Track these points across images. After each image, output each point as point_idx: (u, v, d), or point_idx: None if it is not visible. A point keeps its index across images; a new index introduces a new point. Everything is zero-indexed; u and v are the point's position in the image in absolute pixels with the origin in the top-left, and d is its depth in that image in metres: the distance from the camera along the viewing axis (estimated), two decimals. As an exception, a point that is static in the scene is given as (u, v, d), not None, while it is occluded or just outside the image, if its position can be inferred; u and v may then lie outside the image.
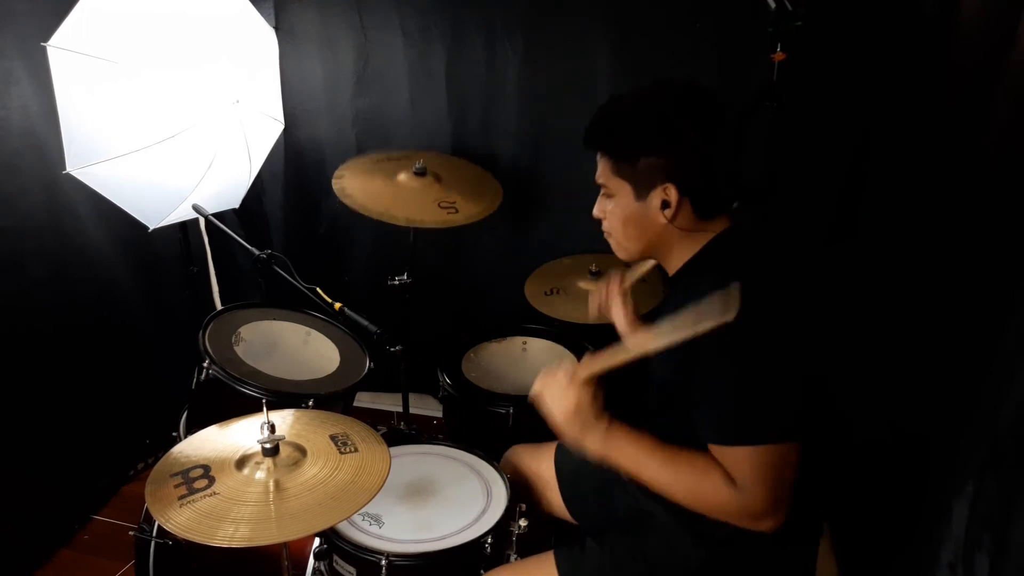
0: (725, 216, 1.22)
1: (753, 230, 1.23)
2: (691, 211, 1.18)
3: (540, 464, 1.65)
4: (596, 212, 1.28)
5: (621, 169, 1.19)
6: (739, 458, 1.09)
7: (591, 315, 1.64)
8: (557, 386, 1.19)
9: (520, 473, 1.67)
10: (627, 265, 1.45)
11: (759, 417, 1.09)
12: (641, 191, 1.18)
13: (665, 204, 1.16)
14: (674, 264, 1.25)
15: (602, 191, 1.26)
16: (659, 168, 1.15)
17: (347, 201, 1.98)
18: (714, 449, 1.12)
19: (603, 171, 1.23)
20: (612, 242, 1.29)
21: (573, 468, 1.61)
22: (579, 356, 2.12)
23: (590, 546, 1.35)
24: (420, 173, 2.07)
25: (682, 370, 1.16)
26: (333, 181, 2.05)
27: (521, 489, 1.63)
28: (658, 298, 1.63)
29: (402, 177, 2.08)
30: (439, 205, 2.01)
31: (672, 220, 1.17)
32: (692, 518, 1.26)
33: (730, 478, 1.11)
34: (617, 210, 1.23)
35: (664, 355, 1.27)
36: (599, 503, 1.52)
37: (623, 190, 1.20)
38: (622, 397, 1.33)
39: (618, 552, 1.33)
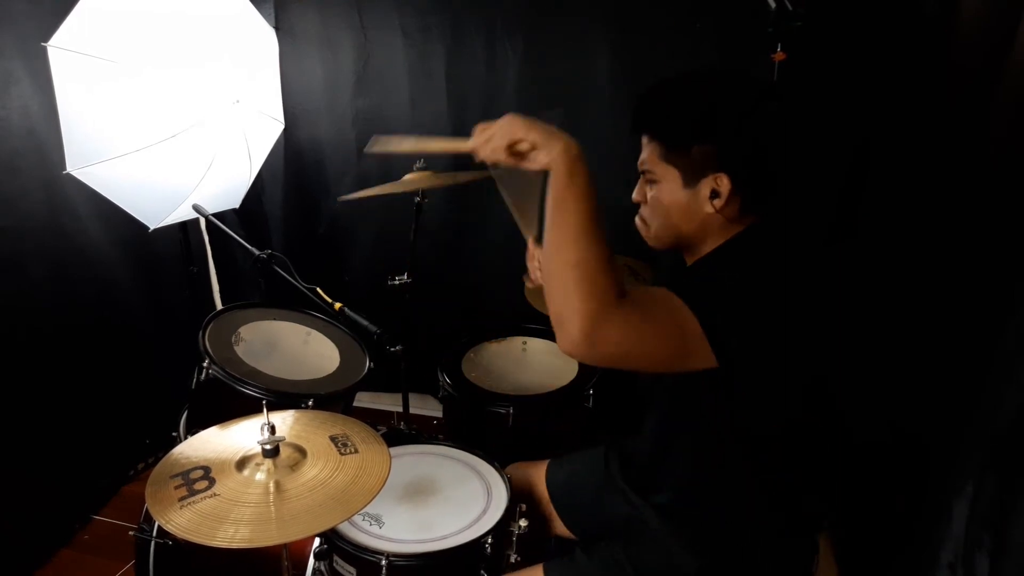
0: (758, 212, 1.19)
1: (779, 226, 1.21)
2: (739, 203, 1.14)
3: (536, 482, 1.64)
4: (636, 196, 1.23)
5: (671, 155, 1.14)
6: (654, 288, 1.04)
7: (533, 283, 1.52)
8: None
9: (523, 490, 1.66)
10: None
11: (699, 296, 1.02)
12: (690, 179, 1.13)
13: (715, 194, 1.12)
14: (697, 254, 1.21)
15: (645, 176, 1.20)
16: (713, 156, 1.11)
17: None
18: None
19: (650, 156, 1.17)
20: (646, 228, 1.23)
21: (564, 482, 1.60)
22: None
23: (579, 557, 1.35)
24: (420, 170, 2.06)
25: None
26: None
27: (523, 495, 1.62)
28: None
29: (407, 177, 2.07)
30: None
31: (720, 210, 1.13)
32: (686, 526, 1.26)
33: (628, 298, 1.00)
34: (662, 196, 1.17)
35: None
36: (592, 513, 1.51)
37: (670, 176, 1.15)
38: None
39: (609, 562, 1.32)
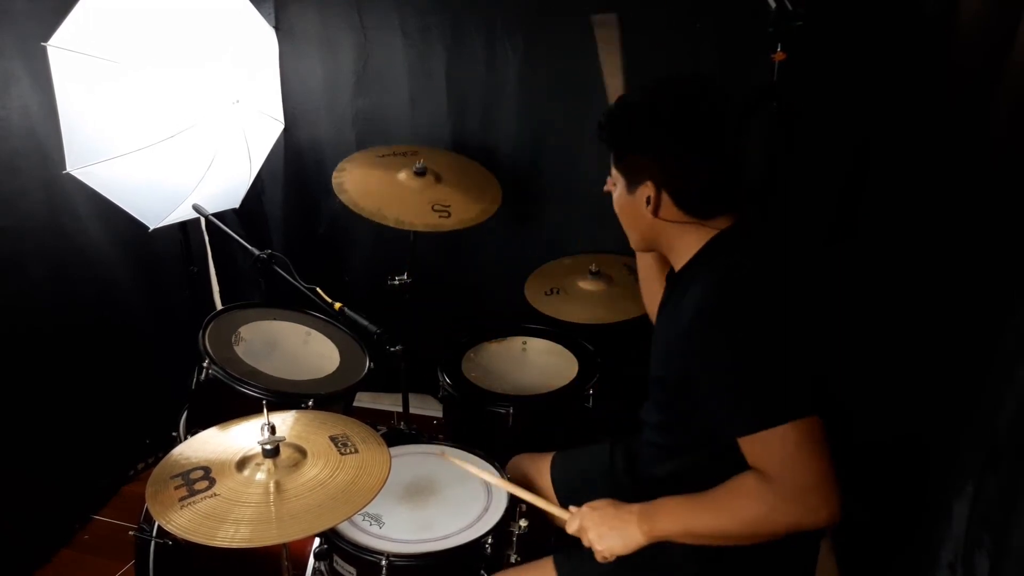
0: (730, 215, 1.22)
1: (755, 228, 1.23)
2: (675, 208, 1.20)
3: (538, 475, 1.64)
4: (605, 189, 1.36)
5: (617, 162, 1.26)
6: (766, 444, 1.07)
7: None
8: (582, 521, 1.23)
9: (523, 482, 1.66)
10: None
11: (771, 396, 1.07)
12: (631, 184, 1.23)
13: (648, 200, 1.20)
14: (678, 261, 1.27)
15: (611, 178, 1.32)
16: (643, 166, 1.20)
17: (343, 197, 1.98)
18: (743, 444, 1.11)
19: (612, 160, 1.29)
20: (623, 227, 1.34)
21: (569, 478, 1.60)
22: (579, 356, 2.13)
23: (589, 551, 1.35)
24: (420, 173, 2.07)
25: (671, 363, 1.19)
26: (334, 174, 2.05)
27: (524, 486, 1.62)
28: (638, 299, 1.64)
29: (402, 176, 2.08)
30: (432, 208, 2.00)
31: (656, 215, 1.21)
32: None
33: (759, 476, 1.08)
34: (616, 198, 1.30)
35: (658, 340, 1.31)
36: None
37: (619, 181, 1.27)
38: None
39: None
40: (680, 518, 1.16)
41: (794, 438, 1.05)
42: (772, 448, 1.07)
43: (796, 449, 1.05)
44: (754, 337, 1.08)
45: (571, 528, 1.25)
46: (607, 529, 1.19)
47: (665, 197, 1.19)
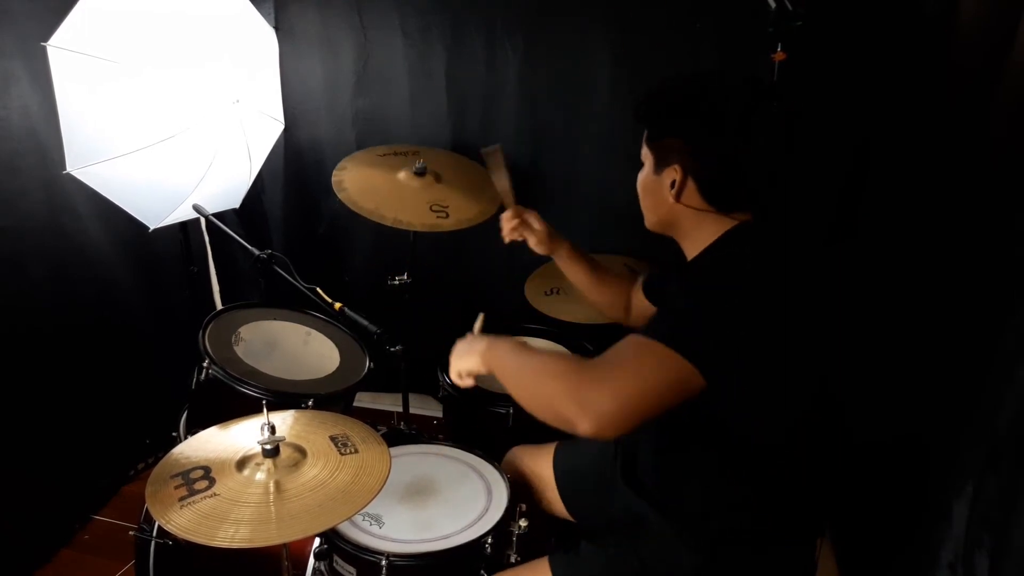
0: (749, 210, 1.22)
1: (772, 226, 1.23)
2: (699, 196, 1.20)
3: (539, 464, 1.65)
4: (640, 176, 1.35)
5: (651, 141, 1.25)
6: (627, 341, 1.08)
7: (507, 240, 1.73)
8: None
9: (520, 473, 1.67)
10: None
11: (675, 324, 1.07)
12: (659, 165, 1.23)
13: (674, 183, 1.20)
14: (690, 250, 1.27)
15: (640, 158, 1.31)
16: (676, 149, 1.19)
17: (341, 196, 1.98)
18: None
19: (644, 139, 1.28)
20: (642, 209, 1.34)
21: (571, 468, 1.61)
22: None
23: (585, 550, 1.35)
24: (420, 173, 2.07)
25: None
26: (334, 173, 2.05)
27: (522, 489, 1.63)
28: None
29: (402, 175, 2.07)
30: (431, 208, 2.00)
31: (678, 199, 1.20)
32: (684, 523, 1.26)
33: (588, 361, 1.07)
34: (640, 178, 1.29)
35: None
36: (597, 503, 1.52)
37: (648, 160, 1.26)
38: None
39: (613, 555, 1.32)
40: (511, 352, 1.23)
41: (642, 353, 1.04)
42: (624, 345, 1.07)
43: (630, 359, 1.05)
44: (719, 297, 1.09)
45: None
46: (463, 348, 1.32)
47: (690, 183, 1.19)
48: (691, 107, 1.19)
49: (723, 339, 1.05)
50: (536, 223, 1.68)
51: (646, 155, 1.27)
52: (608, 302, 1.69)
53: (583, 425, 1.01)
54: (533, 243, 1.69)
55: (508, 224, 1.70)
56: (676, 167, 1.19)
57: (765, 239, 1.22)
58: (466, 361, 1.30)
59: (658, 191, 1.23)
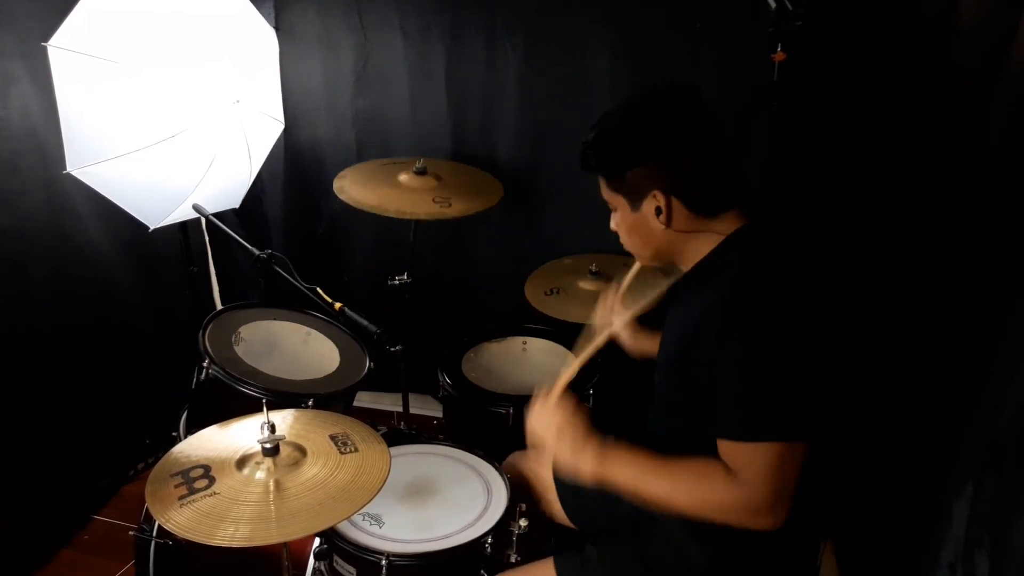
0: (736, 213, 1.21)
1: (766, 229, 1.23)
2: (687, 212, 1.19)
3: (540, 469, 1.65)
4: (612, 226, 1.31)
5: (614, 184, 1.23)
6: (748, 453, 1.09)
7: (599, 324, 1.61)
8: (542, 409, 1.24)
9: (522, 478, 1.67)
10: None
11: (767, 410, 1.08)
12: (635, 202, 1.21)
13: (659, 210, 1.18)
14: (688, 264, 1.25)
15: (609, 207, 1.29)
16: (646, 177, 1.18)
17: (343, 196, 1.99)
18: (722, 444, 1.12)
19: (602, 188, 1.26)
20: (631, 251, 1.31)
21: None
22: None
23: (589, 551, 1.35)
24: (420, 172, 2.07)
25: (684, 355, 1.18)
26: (335, 181, 2.06)
27: (522, 490, 1.63)
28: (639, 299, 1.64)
29: (403, 177, 2.08)
30: (434, 200, 2.00)
31: (669, 224, 1.19)
32: (695, 520, 1.26)
33: (730, 473, 1.10)
34: (621, 223, 1.27)
35: (666, 340, 1.30)
36: (600, 508, 1.51)
37: (620, 203, 1.24)
38: (629, 400, 1.33)
39: (618, 556, 1.32)
40: (635, 473, 1.17)
41: (773, 457, 1.07)
42: (750, 458, 1.09)
43: (770, 468, 1.08)
44: (764, 345, 1.08)
45: (533, 411, 1.26)
46: (564, 442, 1.21)
47: (675, 202, 1.17)
48: (643, 132, 1.18)
49: (795, 391, 1.09)
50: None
51: (613, 199, 1.25)
52: None
53: (763, 527, 1.10)
54: (628, 339, 1.60)
55: (607, 307, 1.60)
56: (655, 193, 1.17)
57: (765, 246, 1.21)
58: (571, 463, 1.20)
59: (644, 226, 1.22)
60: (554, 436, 1.22)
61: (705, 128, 1.18)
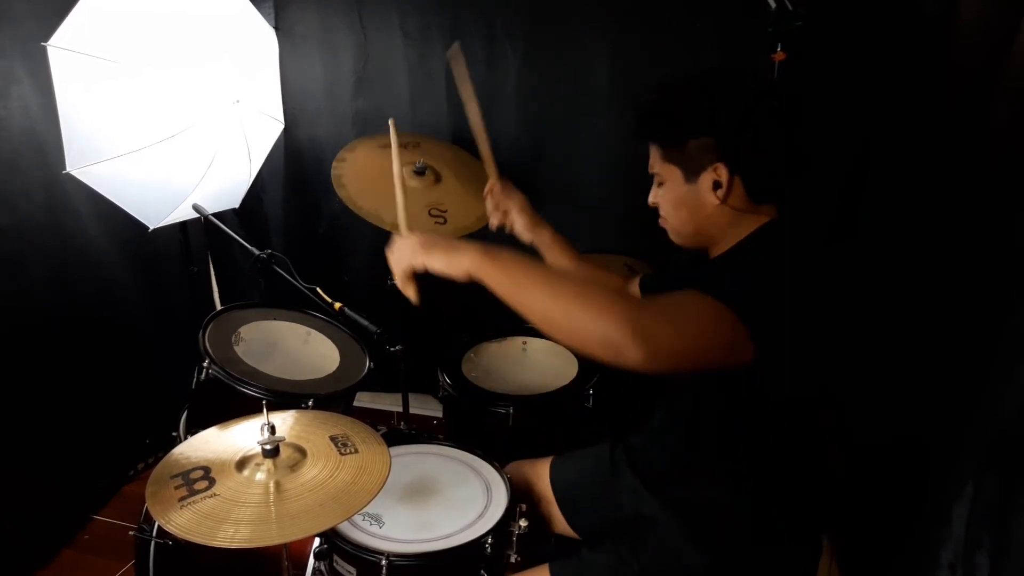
0: (774, 205, 1.21)
1: (800, 221, 1.23)
2: (743, 191, 1.17)
3: (537, 480, 1.64)
4: (651, 200, 1.28)
5: (670, 154, 1.20)
6: (678, 295, 1.04)
7: (493, 227, 1.70)
8: (398, 241, 1.21)
9: (522, 488, 1.66)
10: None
11: (728, 284, 1.06)
12: (691, 174, 1.18)
13: (716, 184, 1.16)
14: (719, 249, 1.24)
15: (655, 180, 1.26)
16: (708, 149, 1.15)
17: (341, 193, 1.98)
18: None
19: (654, 159, 1.23)
20: (668, 228, 1.28)
21: (570, 483, 1.59)
22: (579, 356, 2.13)
23: (586, 556, 1.35)
24: (420, 172, 2.06)
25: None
26: (334, 164, 2.03)
27: (522, 491, 1.62)
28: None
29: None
30: (429, 213, 2.00)
31: (725, 200, 1.16)
32: (695, 523, 1.26)
33: (627, 290, 1.08)
34: (669, 195, 1.23)
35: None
36: (597, 512, 1.51)
37: (673, 175, 1.20)
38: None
39: (616, 560, 1.32)
40: (521, 270, 1.08)
41: (703, 304, 1.02)
42: (680, 295, 1.03)
43: (690, 305, 1.02)
44: (768, 281, 1.08)
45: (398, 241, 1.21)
46: (434, 249, 1.14)
47: (736, 180, 1.15)
48: (716, 101, 1.15)
49: (775, 315, 1.04)
50: (518, 210, 1.64)
51: (665, 169, 1.21)
52: None
53: (634, 352, 0.95)
54: (519, 227, 1.64)
55: (491, 203, 1.64)
56: (718, 167, 1.14)
57: (794, 235, 1.21)
58: (438, 259, 1.12)
59: (696, 199, 1.18)
60: (421, 248, 1.15)
61: (776, 113, 1.16)
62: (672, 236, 1.29)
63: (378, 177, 2.05)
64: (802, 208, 2.07)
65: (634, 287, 1.60)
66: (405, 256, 1.18)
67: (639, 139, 1.25)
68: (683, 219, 1.23)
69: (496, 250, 1.10)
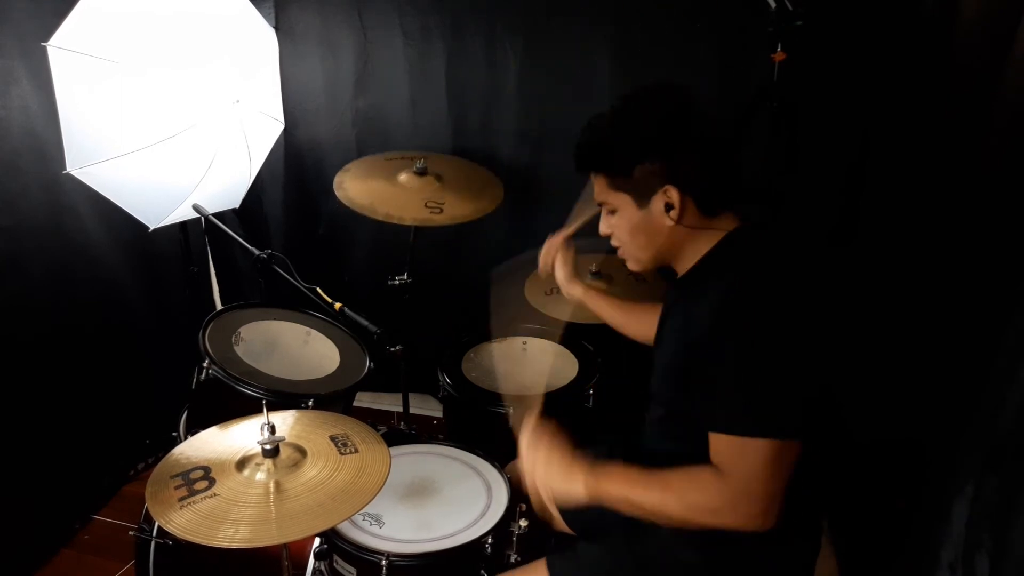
0: (733, 214, 1.21)
1: (763, 228, 1.23)
2: (696, 209, 1.18)
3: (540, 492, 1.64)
4: (602, 230, 1.29)
5: (618, 183, 1.21)
6: (738, 449, 1.08)
7: (542, 273, 1.73)
8: (525, 446, 1.24)
9: (521, 488, 1.65)
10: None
11: (763, 406, 1.08)
12: (642, 199, 1.19)
13: (668, 206, 1.17)
14: (684, 266, 1.25)
15: (604, 209, 1.27)
16: (655, 173, 1.16)
17: (339, 193, 1.98)
18: (714, 439, 1.12)
19: (600, 189, 1.24)
20: (624, 255, 1.29)
21: None
22: (579, 356, 2.13)
23: (583, 550, 1.35)
24: (420, 172, 2.07)
25: (682, 354, 1.18)
26: (338, 174, 2.05)
27: (522, 491, 1.62)
28: (639, 299, 1.65)
29: (403, 177, 2.08)
30: (425, 204, 2.00)
31: (680, 220, 1.17)
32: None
33: (719, 475, 1.10)
34: (622, 223, 1.24)
35: (664, 339, 1.30)
36: (595, 510, 1.51)
37: (624, 202, 1.21)
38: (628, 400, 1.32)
39: (612, 555, 1.32)
40: (627, 486, 1.17)
41: (766, 455, 1.07)
42: (742, 455, 1.08)
43: (763, 465, 1.07)
44: (760, 343, 1.08)
45: (522, 448, 1.26)
46: (553, 473, 1.20)
47: (688, 200, 1.16)
48: (652, 126, 1.16)
49: (790, 390, 1.09)
50: (562, 262, 1.69)
51: (615, 199, 1.22)
52: (645, 334, 1.59)
53: (755, 529, 1.09)
54: (560, 277, 1.67)
55: (547, 246, 1.70)
56: (667, 189, 1.15)
57: (763, 245, 1.21)
58: (565, 488, 1.20)
59: (651, 223, 1.19)
60: (543, 470, 1.21)
61: (709, 125, 1.18)
62: (630, 264, 1.29)
63: (378, 180, 2.06)
64: (802, 209, 2.10)
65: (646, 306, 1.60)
66: (543, 484, 1.23)
67: (581, 171, 1.26)
68: (642, 244, 1.24)
69: (599, 471, 1.19)
